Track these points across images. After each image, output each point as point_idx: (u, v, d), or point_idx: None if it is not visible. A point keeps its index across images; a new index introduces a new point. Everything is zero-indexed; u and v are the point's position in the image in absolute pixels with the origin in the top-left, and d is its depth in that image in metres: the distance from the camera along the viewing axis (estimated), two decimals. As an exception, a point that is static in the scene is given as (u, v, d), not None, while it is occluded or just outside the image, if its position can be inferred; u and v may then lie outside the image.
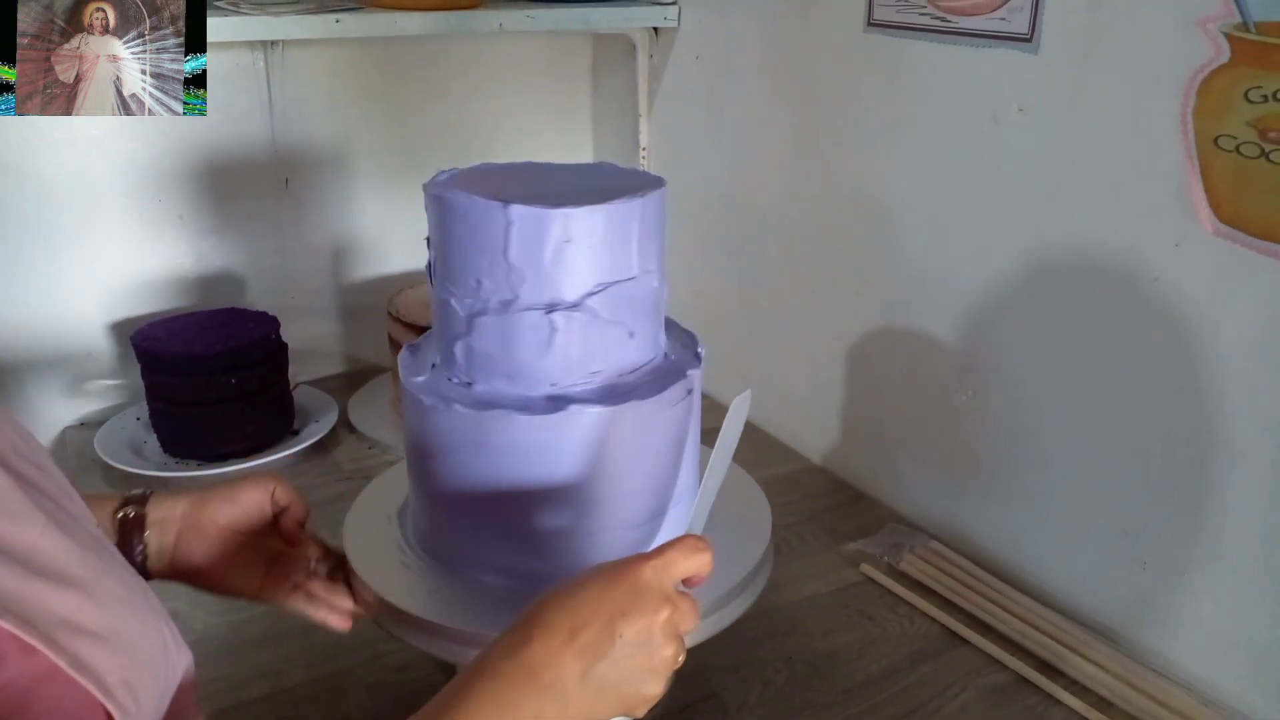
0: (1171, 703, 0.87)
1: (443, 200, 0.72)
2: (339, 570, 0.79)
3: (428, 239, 0.77)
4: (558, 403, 0.72)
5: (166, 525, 0.73)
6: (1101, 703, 0.88)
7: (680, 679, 0.89)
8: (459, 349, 0.75)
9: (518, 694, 0.53)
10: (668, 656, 0.57)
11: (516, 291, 0.71)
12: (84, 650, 0.44)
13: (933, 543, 1.11)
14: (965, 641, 0.96)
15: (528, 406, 0.72)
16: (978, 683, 0.91)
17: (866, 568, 1.07)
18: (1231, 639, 0.89)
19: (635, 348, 0.77)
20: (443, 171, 0.79)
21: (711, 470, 0.66)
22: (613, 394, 0.74)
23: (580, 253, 0.71)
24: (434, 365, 0.79)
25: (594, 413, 0.71)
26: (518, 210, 0.69)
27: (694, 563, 0.59)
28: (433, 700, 0.53)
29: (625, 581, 0.57)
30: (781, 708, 0.88)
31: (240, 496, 0.75)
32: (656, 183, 0.77)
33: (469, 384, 0.75)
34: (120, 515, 0.71)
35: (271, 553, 0.77)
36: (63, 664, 0.43)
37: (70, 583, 0.46)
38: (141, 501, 0.73)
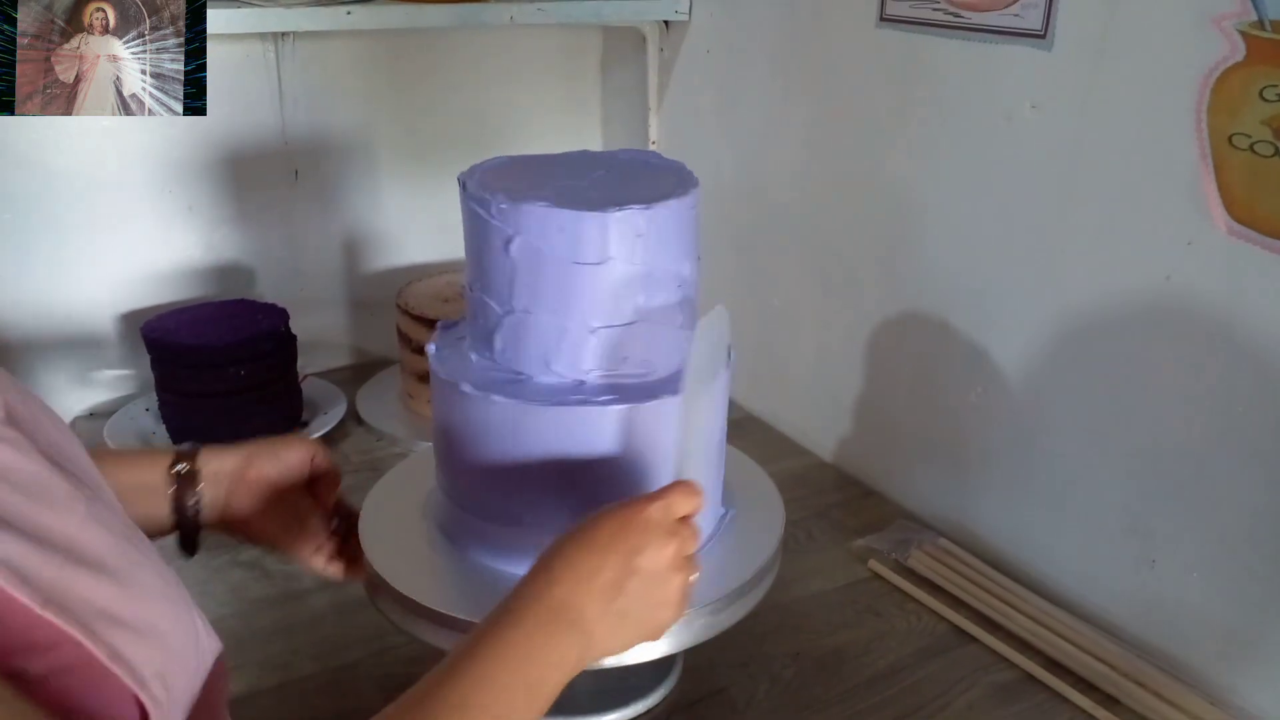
0: (1180, 701, 0.87)
1: (487, 204, 0.72)
2: (351, 533, 0.83)
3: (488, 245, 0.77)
4: (600, 394, 0.73)
5: (219, 478, 0.77)
6: (1109, 700, 0.88)
7: (688, 674, 0.90)
8: (498, 340, 0.75)
9: (544, 636, 0.56)
10: (678, 584, 0.62)
11: (569, 292, 0.72)
12: (120, 642, 0.44)
13: (941, 540, 1.11)
14: (973, 639, 0.96)
15: (567, 398, 0.73)
16: (985, 680, 0.91)
17: (875, 564, 1.07)
18: (1241, 637, 0.88)
19: (678, 342, 0.78)
20: (476, 166, 0.79)
21: (689, 410, 0.68)
22: (657, 388, 0.75)
23: (638, 251, 0.72)
24: (466, 342, 0.80)
25: (639, 407, 0.73)
26: (571, 215, 0.70)
27: (691, 503, 0.63)
28: (453, 652, 0.54)
29: (636, 521, 0.60)
30: (789, 703, 0.88)
31: (285, 455, 0.79)
32: (691, 178, 0.79)
33: (507, 371, 0.76)
34: (175, 470, 0.75)
35: (302, 512, 0.81)
36: (100, 655, 0.43)
37: (108, 573, 0.46)
38: (191, 456, 0.76)
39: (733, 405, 1.45)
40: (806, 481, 1.25)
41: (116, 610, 0.45)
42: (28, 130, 1.24)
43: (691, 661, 0.91)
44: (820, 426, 1.32)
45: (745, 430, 1.38)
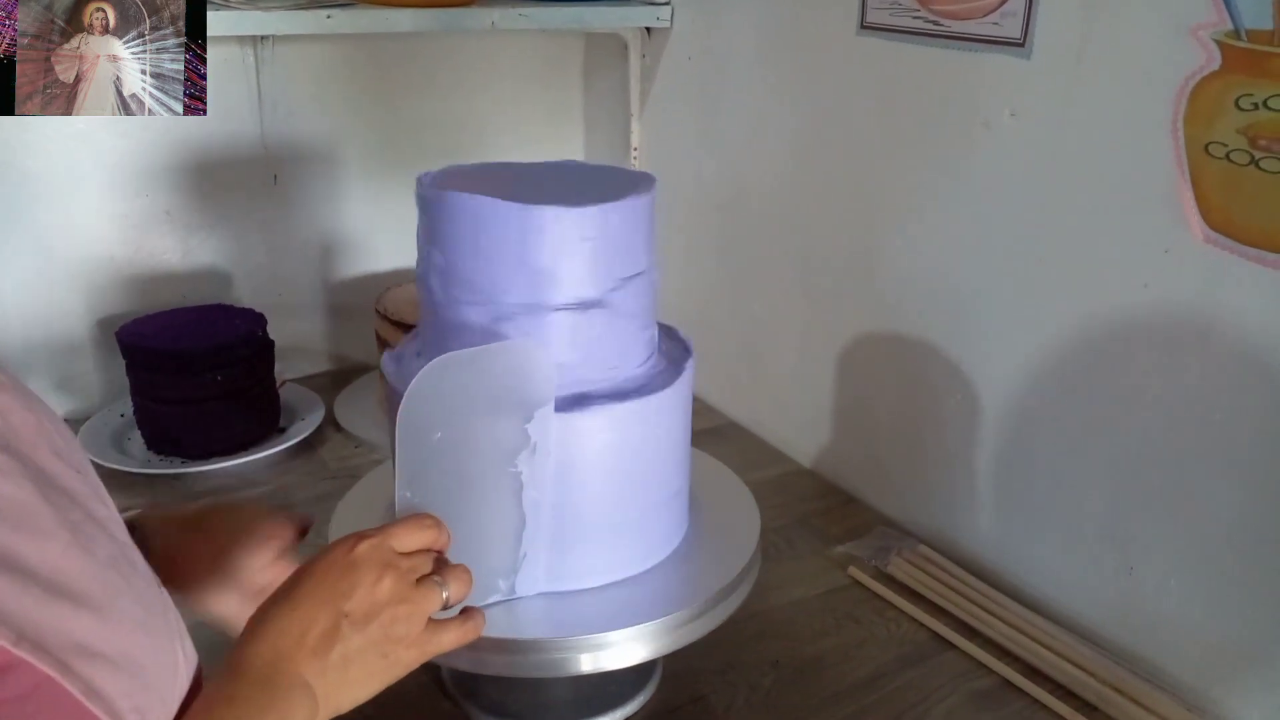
0: (1158, 708, 0.87)
1: (457, 204, 0.71)
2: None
3: (425, 244, 0.76)
4: (582, 400, 0.73)
5: (166, 530, 0.71)
6: (1087, 708, 0.88)
7: (668, 681, 0.90)
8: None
9: (266, 699, 0.53)
10: (406, 615, 0.58)
11: (543, 293, 0.71)
12: (97, 676, 0.44)
13: (921, 546, 1.11)
14: (952, 646, 0.96)
15: (592, 399, 0.73)
16: (964, 687, 0.91)
17: (854, 571, 1.06)
18: (1218, 644, 0.89)
19: (645, 341, 0.78)
20: (427, 174, 0.78)
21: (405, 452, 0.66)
22: (631, 388, 0.75)
23: (601, 249, 0.72)
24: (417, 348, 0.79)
25: (620, 408, 0.73)
26: (548, 211, 0.69)
27: (418, 538, 0.61)
28: (193, 708, 0.52)
29: (339, 564, 0.58)
30: (768, 711, 0.88)
31: (246, 525, 0.73)
32: (649, 179, 0.78)
33: None
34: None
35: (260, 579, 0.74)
36: (75, 692, 0.43)
37: (89, 604, 0.45)
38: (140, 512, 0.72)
39: (713, 412, 1.46)
40: (787, 488, 1.25)
41: (95, 643, 0.45)
42: (1, 134, 1.23)
43: (671, 668, 0.90)
44: (801, 433, 1.32)
45: (725, 437, 1.38)
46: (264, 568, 0.72)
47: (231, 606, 0.72)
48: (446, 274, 0.74)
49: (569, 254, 0.71)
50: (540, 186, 0.76)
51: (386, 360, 0.81)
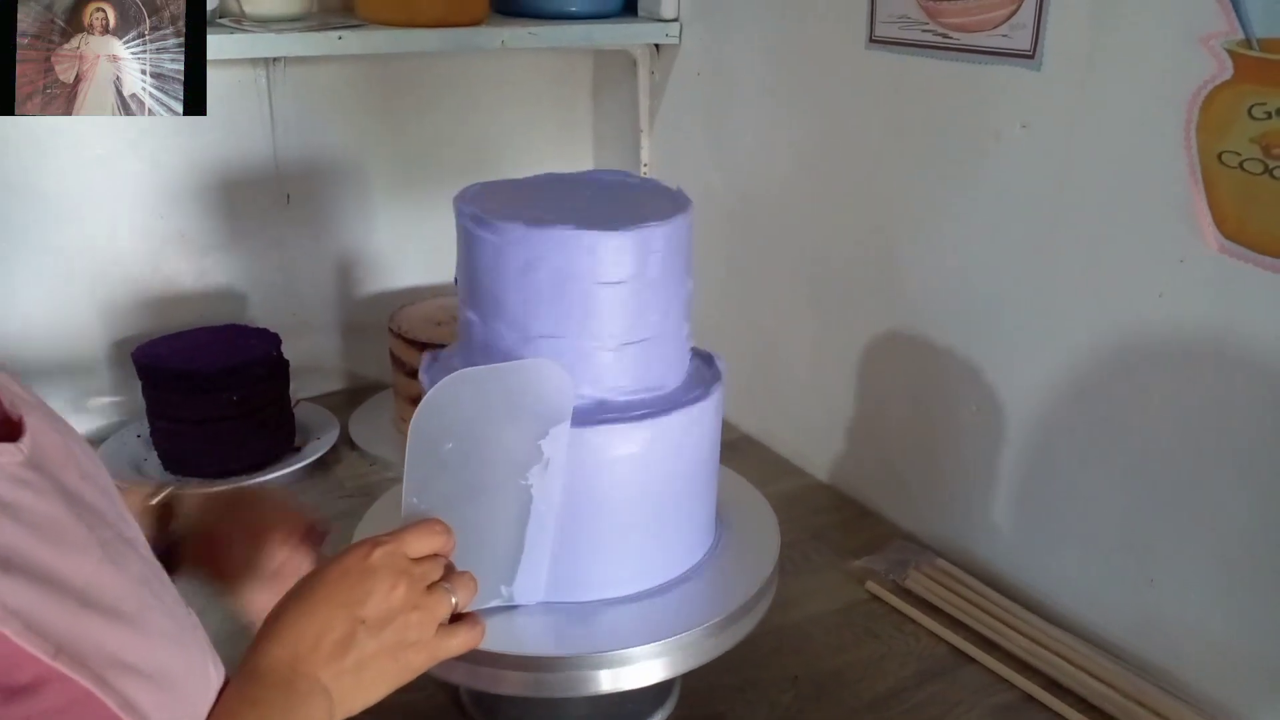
0: (1181, 721, 0.86)
1: (499, 230, 0.71)
2: None
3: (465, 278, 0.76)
4: (616, 414, 0.74)
5: (198, 514, 0.74)
6: (1110, 721, 0.88)
7: (686, 699, 0.89)
8: None
9: (284, 702, 0.54)
10: (418, 622, 0.60)
11: (593, 313, 0.73)
12: (132, 689, 0.44)
13: (939, 560, 1.10)
14: (972, 660, 0.95)
15: (596, 418, 0.73)
16: (985, 702, 0.91)
17: (872, 585, 1.06)
18: (1241, 656, 0.88)
19: (685, 354, 0.80)
20: (465, 191, 0.78)
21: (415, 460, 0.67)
22: (669, 403, 0.76)
23: (668, 263, 0.75)
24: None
25: (657, 422, 0.74)
26: (624, 235, 0.71)
27: (429, 543, 0.62)
28: (214, 709, 0.53)
29: (356, 569, 0.59)
30: (788, 727, 0.88)
31: (265, 513, 0.76)
32: (681, 194, 0.81)
33: None
34: (156, 500, 0.74)
35: (274, 565, 0.76)
36: (112, 705, 0.43)
37: (123, 619, 0.46)
38: (172, 491, 0.75)
39: (727, 425, 1.45)
40: (802, 502, 1.25)
41: (129, 656, 0.45)
42: (18, 156, 1.24)
43: (689, 685, 0.90)
44: (815, 446, 1.32)
45: (740, 451, 1.38)
46: (281, 559, 0.74)
47: (251, 592, 0.73)
48: (532, 302, 0.74)
49: (635, 276, 0.73)
50: (593, 203, 0.78)
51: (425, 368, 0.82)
